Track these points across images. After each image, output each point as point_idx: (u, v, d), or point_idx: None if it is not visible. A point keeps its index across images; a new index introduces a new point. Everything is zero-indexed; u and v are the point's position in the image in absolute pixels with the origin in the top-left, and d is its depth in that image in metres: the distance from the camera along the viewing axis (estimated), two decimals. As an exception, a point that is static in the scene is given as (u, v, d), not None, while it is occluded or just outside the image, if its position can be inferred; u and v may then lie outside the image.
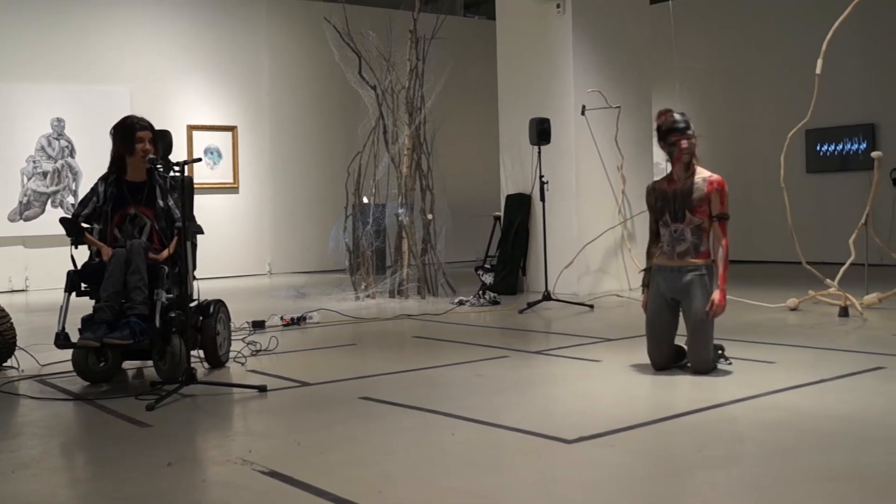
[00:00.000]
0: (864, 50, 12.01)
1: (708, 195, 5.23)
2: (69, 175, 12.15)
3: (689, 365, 5.30)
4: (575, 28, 9.80)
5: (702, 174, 5.29)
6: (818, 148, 12.63)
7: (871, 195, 7.71)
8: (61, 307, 5.26)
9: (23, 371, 5.80)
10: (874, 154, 7.85)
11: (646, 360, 5.43)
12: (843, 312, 7.34)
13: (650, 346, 5.38)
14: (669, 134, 5.28)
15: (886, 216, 10.43)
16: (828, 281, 7.71)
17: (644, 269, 5.57)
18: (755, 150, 12.94)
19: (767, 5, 13.34)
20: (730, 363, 5.34)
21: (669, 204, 5.30)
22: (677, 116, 5.29)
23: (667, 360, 5.34)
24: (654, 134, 5.44)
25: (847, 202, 11.57)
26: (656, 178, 5.57)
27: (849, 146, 12.40)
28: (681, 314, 5.34)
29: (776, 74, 12.99)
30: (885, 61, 11.99)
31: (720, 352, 5.38)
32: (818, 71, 7.53)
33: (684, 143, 5.25)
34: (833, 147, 12.54)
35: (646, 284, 5.48)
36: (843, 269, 7.81)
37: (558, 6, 9.84)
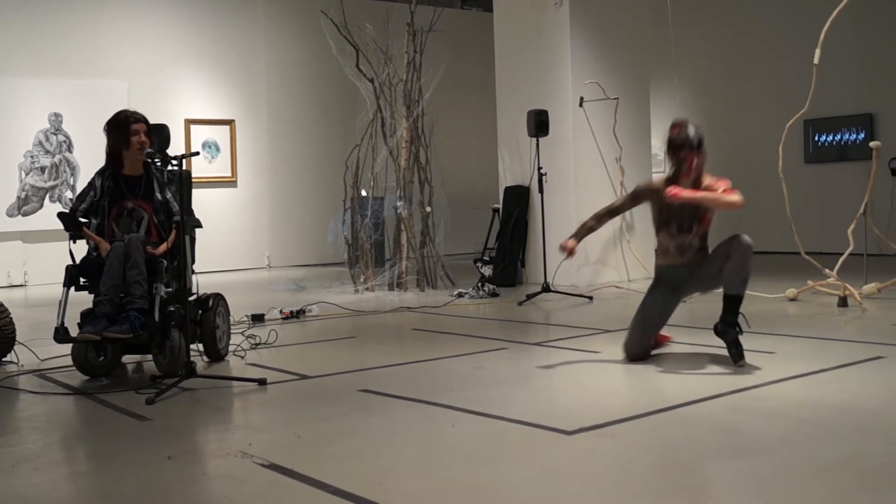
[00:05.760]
0: (861, 40, 12.00)
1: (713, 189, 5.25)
2: (67, 170, 12.14)
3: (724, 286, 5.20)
4: (572, 19, 9.78)
5: (704, 183, 5.27)
6: (816, 138, 12.63)
7: (869, 185, 7.71)
8: (60, 302, 5.26)
9: (22, 366, 5.80)
10: (872, 144, 7.85)
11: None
12: (842, 302, 7.34)
13: (636, 336, 5.38)
14: (681, 149, 5.22)
15: (885, 206, 10.44)
16: (826, 271, 7.71)
17: (584, 228, 5.64)
18: (753, 140, 12.93)
19: (765, -5, 13.34)
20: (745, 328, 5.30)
21: (676, 216, 5.28)
22: (691, 132, 5.20)
23: (646, 351, 5.39)
24: (665, 145, 5.34)
25: (845, 192, 11.57)
26: (656, 178, 5.49)
27: (847, 136, 12.39)
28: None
29: (774, 65, 12.98)
30: (882, 51, 11.98)
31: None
32: (816, 61, 7.52)
33: (695, 161, 5.20)
34: (831, 137, 12.53)
35: (576, 237, 5.61)
36: (841, 259, 7.81)
37: (556, -3, 9.83)
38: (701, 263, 5.31)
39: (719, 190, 5.21)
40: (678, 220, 5.30)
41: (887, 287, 7.70)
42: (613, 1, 10.12)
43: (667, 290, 5.41)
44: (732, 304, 5.20)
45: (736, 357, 5.13)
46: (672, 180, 5.30)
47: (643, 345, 5.40)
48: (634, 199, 5.50)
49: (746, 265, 5.12)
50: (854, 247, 7.79)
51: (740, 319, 5.22)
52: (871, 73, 12.05)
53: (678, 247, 5.33)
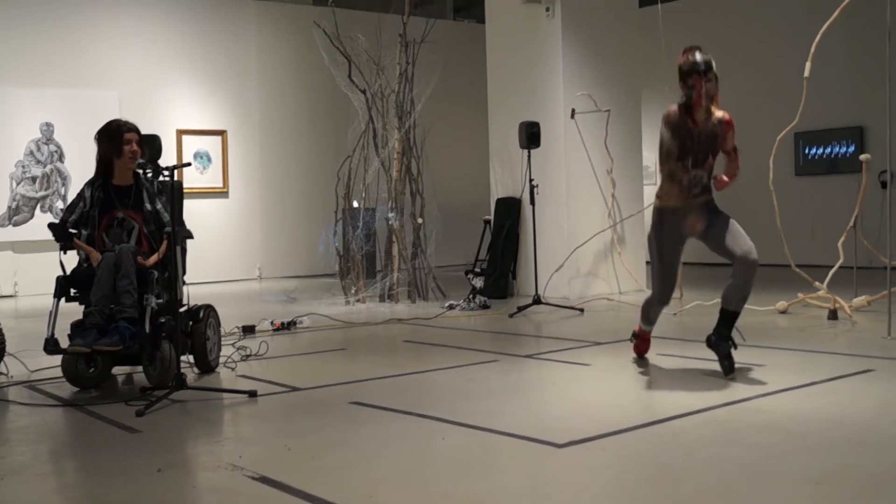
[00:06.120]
0: (851, 53, 12.06)
1: (725, 134, 5.27)
2: (58, 179, 12.11)
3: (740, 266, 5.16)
4: (564, 31, 9.81)
5: (716, 115, 5.24)
6: (807, 151, 12.68)
7: (859, 198, 7.73)
8: (51, 313, 5.23)
9: (12, 377, 5.77)
10: (862, 157, 7.88)
11: (634, 367, 5.44)
12: (832, 315, 7.36)
13: (663, 286, 5.41)
14: (689, 76, 5.11)
15: (875, 219, 10.46)
16: (817, 284, 7.73)
17: (659, 209, 5.37)
18: (744, 152, 12.73)
19: (756, 9, 13.40)
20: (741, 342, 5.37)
21: (694, 148, 5.19)
22: (698, 57, 5.09)
23: (671, 295, 5.50)
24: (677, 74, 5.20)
25: (835, 205, 11.61)
26: (672, 108, 5.22)
27: (837, 149, 12.45)
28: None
29: (765, 78, 13.03)
30: (872, 64, 12.02)
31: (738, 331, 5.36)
32: (806, 74, 7.56)
33: (703, 88, 5.09)
34: (821, 150, 12.59)
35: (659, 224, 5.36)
36: (831, 271, 7.83)
37: (548, 9, 9.85)
38: (705, 209, 5.27)
39: (733, 152, 5.39)
40: (695, 154, 5.21)
41: (877, 300, 7.71)
42: (605, 13, 10.16)
43: (674, 235, 5.32)
44: (729, 318, 5.22)
45: (727, 370, 5.14)
46: (686, 108, 5.18)
47: (670, 290, 5.45)
48: (674, 132, 5.20)
49: (749, 284, 5.15)
50: (844, 259, 7.81)
51: (735, 334, 5.24)
52: (860, 86, 12.11)
53: (690, 182, 5.23)
